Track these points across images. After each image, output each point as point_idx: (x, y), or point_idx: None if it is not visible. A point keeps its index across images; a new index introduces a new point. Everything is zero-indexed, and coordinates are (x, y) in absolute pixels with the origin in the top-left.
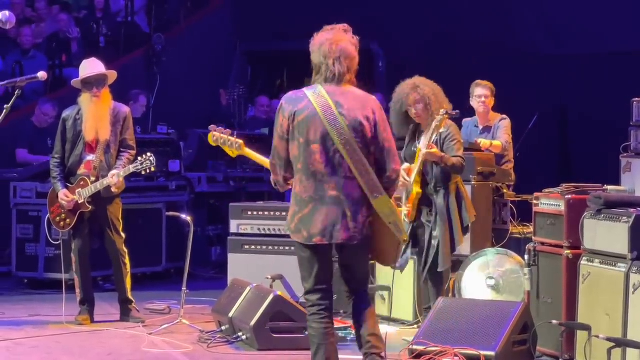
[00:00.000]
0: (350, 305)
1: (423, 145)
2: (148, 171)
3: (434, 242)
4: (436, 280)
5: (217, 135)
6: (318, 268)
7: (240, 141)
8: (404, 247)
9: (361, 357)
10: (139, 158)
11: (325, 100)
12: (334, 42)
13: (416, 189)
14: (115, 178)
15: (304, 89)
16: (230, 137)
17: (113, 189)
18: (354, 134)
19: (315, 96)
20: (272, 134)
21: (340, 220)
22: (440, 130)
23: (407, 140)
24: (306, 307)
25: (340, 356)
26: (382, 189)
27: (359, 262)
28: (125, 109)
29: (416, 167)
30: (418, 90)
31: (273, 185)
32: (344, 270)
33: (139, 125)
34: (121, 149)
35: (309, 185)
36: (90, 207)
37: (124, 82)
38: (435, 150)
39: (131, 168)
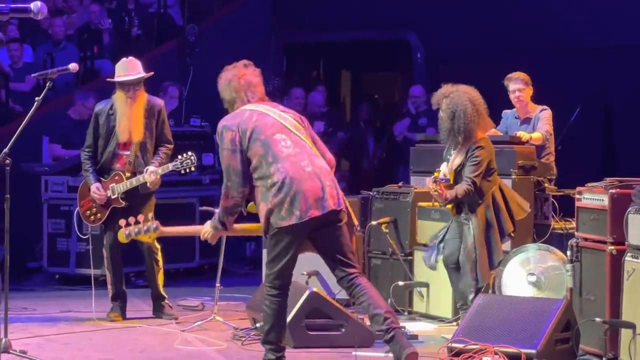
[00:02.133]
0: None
1: (447, 167)
2: (188, 170)
3: (472, 257)
4: (459, 283)
5: (129, 230)
6: (293, 253)
7: (156, 222)
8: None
9: (382, 355)
10: (179, 156)
11: (264, 106)
12: (240, 77)
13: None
14: (153, 176)
15: (236, 110)
16: (143, 225)
17: (149, 186)
18: (298, 126)
19: (253, 107)
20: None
21: (325, 191)
22: (469, 147)
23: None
24: (266, 285)
25: (377, 354)
26: None
27: (347, 235)
28: (159, 102)
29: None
30: (448, 98)
31: (222, 217)
32: (331, 249)
33: (171, 118)
34: (158, 144)
35: (287, 167)
36: (124, 202)
37: (157, 74)
38: (438, 193)
39: (170, 166)
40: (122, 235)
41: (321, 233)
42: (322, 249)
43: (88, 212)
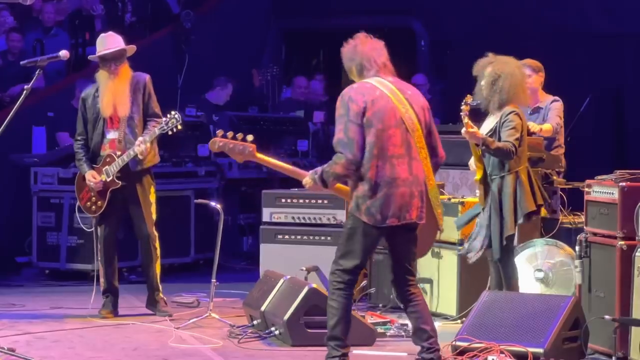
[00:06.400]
0: (394, 298)
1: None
2: (175, 130)
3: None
4: (502, 269)
5: (224, 142)
6: (369, 250)
7: (252, 146)
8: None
9: (401, 354)
10: (163, 118)
11: (392, 89)
12: (365, 43)
13: (478, 175)
14: (142, 145)
15: (369, 80)
16: (238, 143)
17: (140, 156)
18: (419, 118)
19: (383, 85)
20: (308, 117)
21: (411, 201)
22: (502, 113)
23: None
24: (335, 279)
25: (380, 352)
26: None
27: (414, 245)
28: (144, 77)
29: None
30: (495, 63)
31: (327, 178)
32: (401, 256)
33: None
34: (147, 119)
35: (384, 170)
36: (120, 182)
37: (151, 61)
38: (473, 130)
39: (157, 131)
40: (214, 145)
41: (397, 235)
42: (392, 249)
43: (88, 203)
